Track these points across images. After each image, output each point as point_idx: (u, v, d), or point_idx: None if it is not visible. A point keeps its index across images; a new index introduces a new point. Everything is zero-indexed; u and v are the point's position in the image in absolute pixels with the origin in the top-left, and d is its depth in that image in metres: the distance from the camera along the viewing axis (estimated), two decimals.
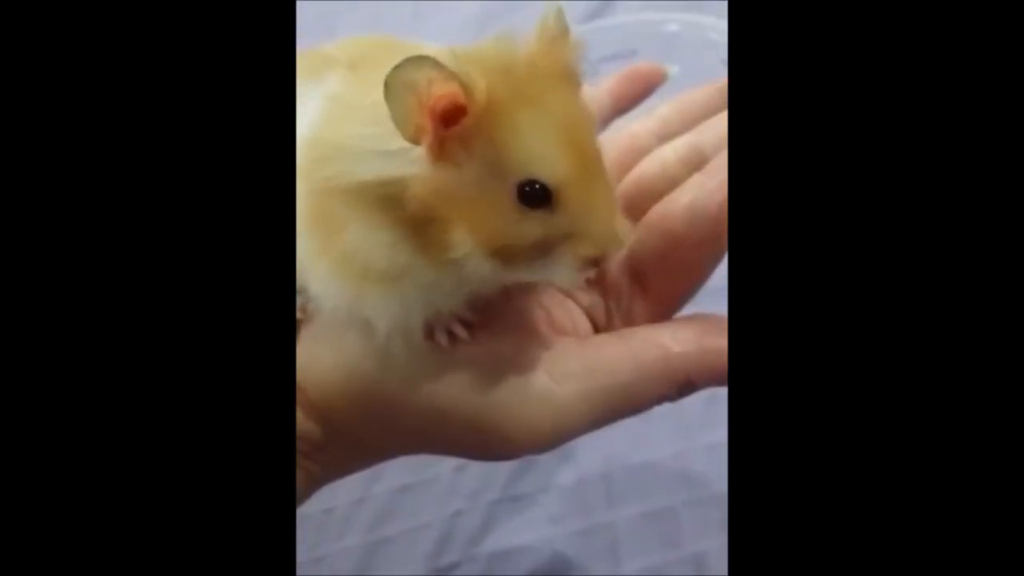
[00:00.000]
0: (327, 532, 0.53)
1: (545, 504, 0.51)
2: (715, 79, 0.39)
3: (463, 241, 0.26)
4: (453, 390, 0.29)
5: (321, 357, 0.30)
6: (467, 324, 0.30)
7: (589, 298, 0.33)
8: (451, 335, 0.29)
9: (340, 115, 0.28)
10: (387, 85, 0.25)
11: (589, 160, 0.27)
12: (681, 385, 0.30)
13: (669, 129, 0.38)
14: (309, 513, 0.53)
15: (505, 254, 0.26)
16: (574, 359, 0.30)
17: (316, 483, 0.32)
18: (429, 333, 0.29)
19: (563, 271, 0.27)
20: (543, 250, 0.27)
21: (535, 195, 0.26)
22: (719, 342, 0.29)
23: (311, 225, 0.28)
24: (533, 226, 0.26)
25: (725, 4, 0.28)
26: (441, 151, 0.26)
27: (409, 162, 0.26)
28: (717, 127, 0.35)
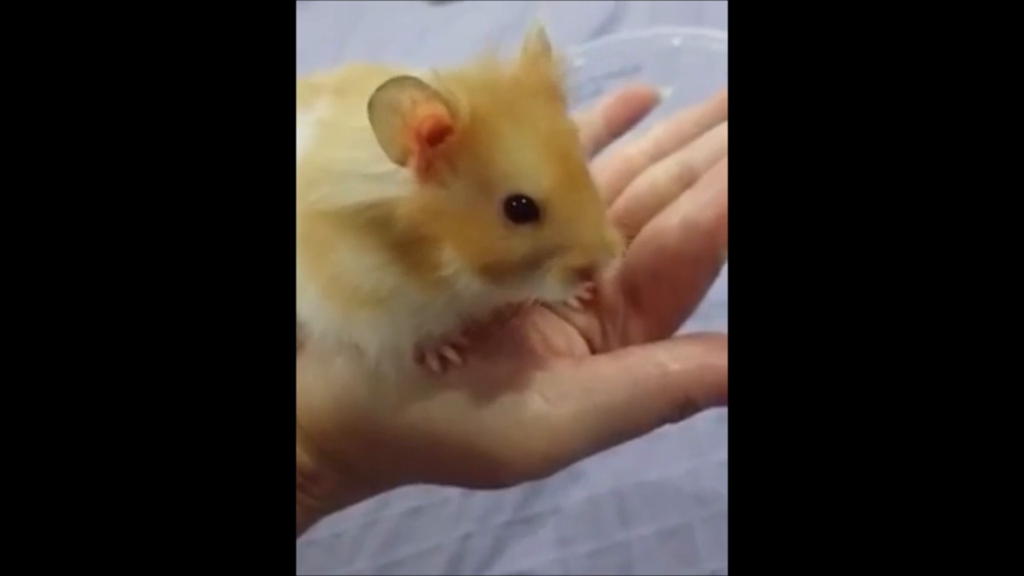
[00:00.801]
0: (337, 556, 0.52)
1: (556, 525, 0.51)
2: (710, 96, 0.39)
3: (452, 259, 0.26)
4: (445, 416, 0.28)
5: (311, 384, 0.29)
6: (459, 348, 0.29)
7: (584, 319, 0.33)
8: (442, 359, 0.29)
9: (328, 139, 0.28)
10: (371, 106, 0.25)
11: (574, 172, 0.27)
12: (681, 405, 0.29)
13: (662, 149, 0.38)
14: (318, 538, 0.53)
15: (495, 271, 0.26)
16: (570, 380, 0.29)
17: (312, 516, 0.32)
18: (420, 357, 0.29)
19: (553, 285, 0.27)
20: (532, 265, 0.26)
21: (522, 210, 0.26)
22: (719, 360, 0.29)
23: (300, 249, 0.28)
24: (521, 241, 0.26)
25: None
26: (427, 171, 0.26)
27: (396, 184, 0.26)
28: (708, 143, 0.35)
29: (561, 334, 0.32)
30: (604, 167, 0.37)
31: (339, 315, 0.28)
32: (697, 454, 0.51)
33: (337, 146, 0.27)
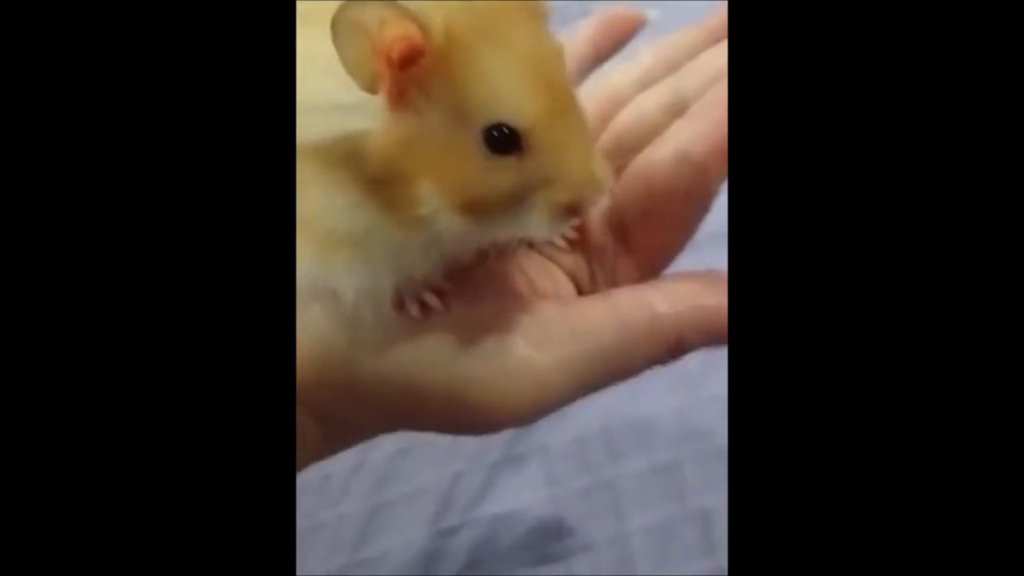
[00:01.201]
0: (326, 498, 0.52)
1: (545, 463, 0.51)
2: (701, 18, 0.37)
3: (430, 196, 0.24)
4: (427, 363, 0.27)
5: None
6: (440, 292, 0.28)
7: (571, 260, 0.31)
8: (423, 304, 0.28)
9: (299, 70, 0.26)
10: (334, 28, 0.23)
11: (560, 99, 0.25)
12: (671, 346, 0.28)
13: (652, 77, 0.35)
14: (307, 480, 0.52)
15: (476, 208, 0.25)
16: (555, 324, 0.28)
17: (300, 466, 0.31)
18: (399, 303, 0.28)
19: (539, 222, 0.25)
20: (516, 200, 0.25)
21: (503, 140, 0.24)
22: (713, 300, 0.28)
23: None
24: (503, 175, 0.24)
25: None
26: (400, 99, 0.24)
27: (367, 115, 0.24)
28: (699, 70, 0.33)
29: (547, 276, 0.31)
30: (590, 96, 0.35)
31: (314, 259, 0.26)
32: (687, 390, 0.50)
33: (305, 78, 0.25)
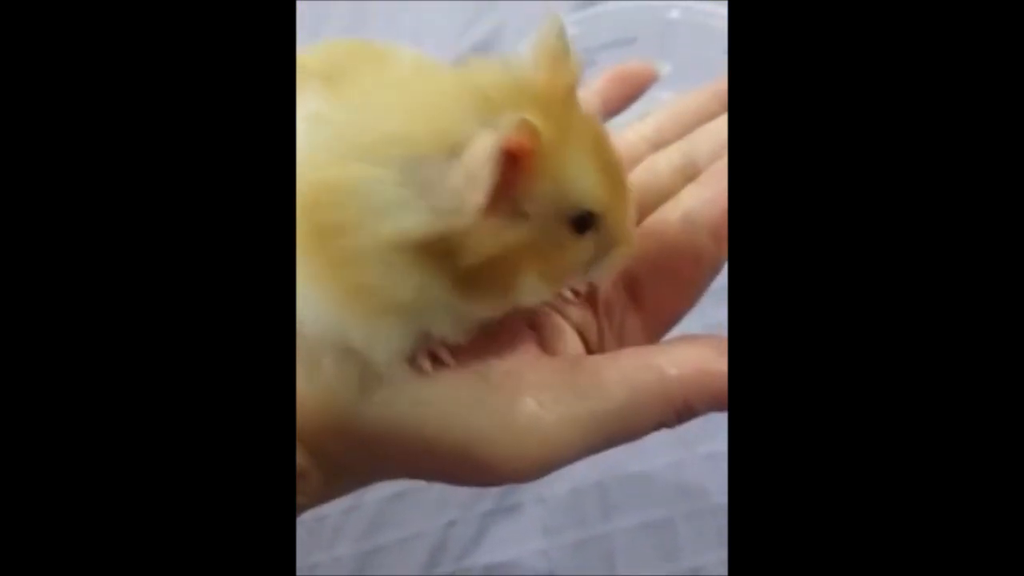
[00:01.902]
0: (319, 540, 0.52)
1: (539, 515, 0.50)
2: (714, 78, 0.38)
3: (528, 281, 0.26)
4: (434, 417, 0.28)
5: (298, 384, 0.28)
6: (452, 348, 0.28)
7: (580, 314, 0.32)
8: (434, 358, 0.28)
9: (333, 146, 0.26)
10: (476, 153, 0.23)
11: (617, 176, 0.27)
12: (680, 410, 0.28)
13: (664, 136, 0.36)
14: (301, 520, 0.52)
15: (561, 279, 0.28)
16: (564, 383, 0.28)
17: (300, 511, 0.31)
18: (411, 357, 0.28)
19: (603, 276, 0.29)
20: (591, 265, 0.28)
21: (586, 223, 0.27)
22: (718, 365, 0.28)
23: (306, 249, 0.25)
24: (585, 249, 0.27)
25: None
26: (500, 199, 0.24)
27: (457, 214, 0.24)
28: (711, 134, 0.34)
29: (556, 332, 0.31)
30: None
31: (353, 322, 0.26)
32: (683, 446, 0.51)
33: (354, 160, 0.25)
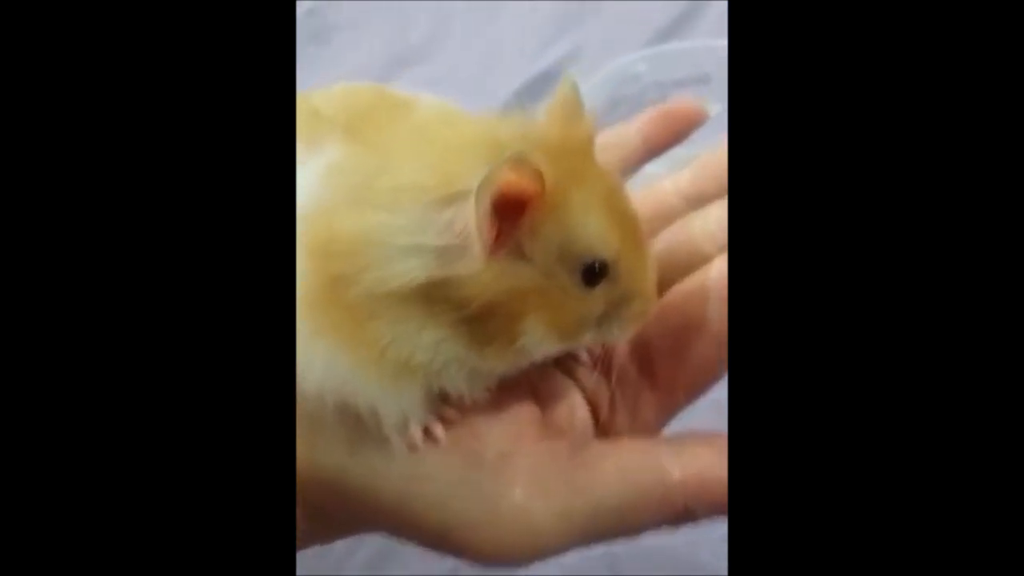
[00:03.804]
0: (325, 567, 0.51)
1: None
2: None
3: (534, 331, 0.25)
4: (420, 494, 0.26)
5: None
6: (445, 421, 0.27)
7: (593, 381, 0.30)
8: (426, 432, 0.27)
9: (352, 198, 0.25)
10: (482, 195, 0.23)
11: (631, 226, 0.27)
12: (679, 515, 0.27)
13: (702, 192, 0.33)
14: (303, 554, 0.51)
15: (571, 333, 0.26)
16: (559, 474, 0.27)
17: None
18: (402, 427, 0.26)
19: (619, 333, 0.27)
20: (604, 318, 0.27)
21: (597, 273, 0.26)
22: (719, 471, 0.26)
23: (314, 308, 0.25)
24: (597, 301, 0.26)
25: None
26: (504, 245, 0.24)
27: (464, 259, 0.24)
28: None
29: (564, 401, 0.29)
30: (638, 204, 0.34)
31: (369, 382, 0.25)
32: (698, 525, 0.48)
33: (370, 210, 0.25)
